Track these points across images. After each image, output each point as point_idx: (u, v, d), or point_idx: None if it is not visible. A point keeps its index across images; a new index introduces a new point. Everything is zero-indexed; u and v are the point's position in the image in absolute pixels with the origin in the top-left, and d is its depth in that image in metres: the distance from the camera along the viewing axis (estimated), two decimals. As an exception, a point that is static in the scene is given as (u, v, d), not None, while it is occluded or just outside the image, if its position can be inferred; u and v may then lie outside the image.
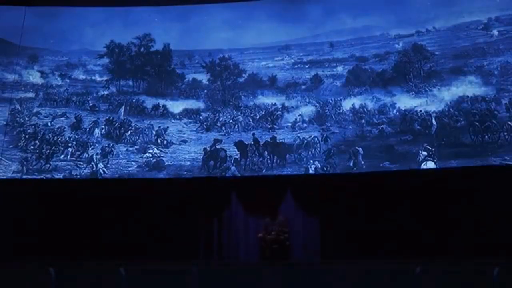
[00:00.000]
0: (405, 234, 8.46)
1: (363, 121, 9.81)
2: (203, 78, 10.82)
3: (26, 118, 10.24)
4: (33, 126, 10.15)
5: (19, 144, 9.96)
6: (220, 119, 10.28)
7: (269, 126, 10.10)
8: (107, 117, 10.31)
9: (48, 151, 9.89)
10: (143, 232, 8.98)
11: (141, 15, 11.11)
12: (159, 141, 10.07)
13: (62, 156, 9.89)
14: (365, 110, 9.91)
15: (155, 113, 10.43)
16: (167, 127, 10.23)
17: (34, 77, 10.75)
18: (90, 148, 9.95)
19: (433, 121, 9.47)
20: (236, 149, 9.82)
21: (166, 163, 9.80)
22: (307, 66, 10.68)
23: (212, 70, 10.85)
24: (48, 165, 9.78)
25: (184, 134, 10.19)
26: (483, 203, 8.36)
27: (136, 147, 10.03)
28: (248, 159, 9.74)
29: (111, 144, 10.02)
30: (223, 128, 10.18)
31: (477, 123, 9.21)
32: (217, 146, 9.88)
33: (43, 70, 10.84)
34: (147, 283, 7.33)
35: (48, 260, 7.86)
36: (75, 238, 8.91)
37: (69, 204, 9.22)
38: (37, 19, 10.93)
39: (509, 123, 9.02)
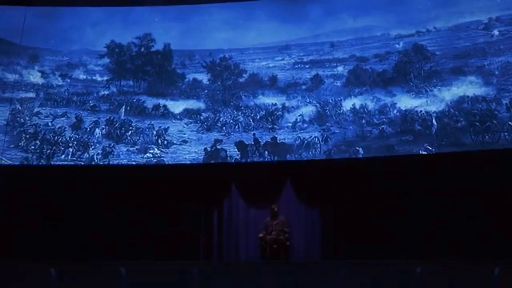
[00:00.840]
0: (405, 234, 8.48)
1: (364, 121, 9.80)
2: (204, 78, 10.82)
3: (27, 118, 10.26)
4: (33, 126, 10.17)
5: (20, 144, 9.98)
6: (221, 119, 10.28)
7: (269, 126, 10.09)
8: (107, 117, 10.33)
9: (48, 151, 9.91)
10: (143, 232, 8.99)
11: (141, 15, 11.13)
12: (159, 141, 10.08)
13: (63, 156, 9.91)
14: (365, 110, 9.91)
15: (156, 113, 10.44)
16: (168, 127, 10.24)
17: (35, 77, 10.76)
18: (90, 148, 9.98)
19: (434, 121, 9.45)
20: (236, 149, 9.84)
21: (167, 163, 9.81)
22: (307, 66, 10.67)
23: (213, 70, 10.85)
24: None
25: (185, 134, 10.19)
26: (483, 203, 8.36)
27: (136, 147, 10.04)
28: (248, 159, 9.75)
29: (112, 144, 10.03)
30: (224, 128, 10.18)
31: (477, 123, 9.20)
32: (218, 146, 9.90)
33: (44, 70, 10.86)
34: (147, 283, 7.33)
35: (48, 260, 7.88)
36: (75, 238, 8.93)
37: (69, 204, 9.24)
38: (38, 19, 10.94)
39: (510, 123, 9.01)
